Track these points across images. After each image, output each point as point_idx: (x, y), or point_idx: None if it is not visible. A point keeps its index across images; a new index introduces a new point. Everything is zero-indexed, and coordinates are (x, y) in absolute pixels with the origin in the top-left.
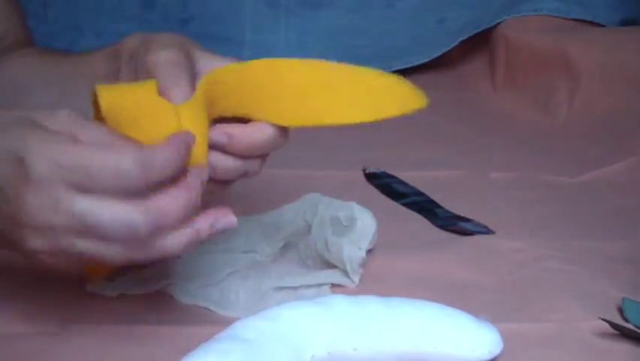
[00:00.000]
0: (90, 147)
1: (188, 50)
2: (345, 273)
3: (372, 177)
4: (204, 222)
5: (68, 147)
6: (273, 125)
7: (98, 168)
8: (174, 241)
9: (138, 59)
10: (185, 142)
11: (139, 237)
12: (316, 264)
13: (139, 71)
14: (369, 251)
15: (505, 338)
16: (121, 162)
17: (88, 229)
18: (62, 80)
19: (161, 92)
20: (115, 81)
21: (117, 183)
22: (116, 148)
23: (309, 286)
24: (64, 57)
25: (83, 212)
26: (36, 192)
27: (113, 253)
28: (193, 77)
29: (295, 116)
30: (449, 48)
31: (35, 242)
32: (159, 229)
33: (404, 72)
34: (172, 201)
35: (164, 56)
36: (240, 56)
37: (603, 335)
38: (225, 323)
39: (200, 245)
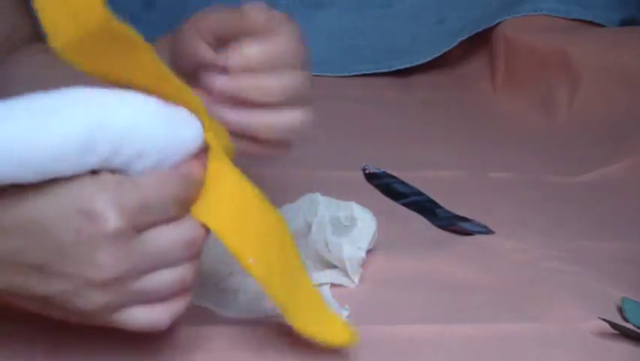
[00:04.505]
0: (142, 182)
1: None
2: (345, 273)
3: (372, 177)
4: None
5: (128, 188)
6: None
7: (158, 202)
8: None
9: None
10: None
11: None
12: (316, 264)
13: None
14: (369, 251)
15: (505, 338)
16: (173, 189)
17: (157, 263)
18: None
19: None
20: None
21: (175, 209)
22: (163, 176)
23: None
24: None
25: (151, 247)
26: (110, 245)
27: (180, 274)
28: None
29: None
30: (449, 48)
31: (102, 298)
32: None
33: (404, 72)
34: None
35: None
36: None
37: (603, 335)
38: (225, 323)
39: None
